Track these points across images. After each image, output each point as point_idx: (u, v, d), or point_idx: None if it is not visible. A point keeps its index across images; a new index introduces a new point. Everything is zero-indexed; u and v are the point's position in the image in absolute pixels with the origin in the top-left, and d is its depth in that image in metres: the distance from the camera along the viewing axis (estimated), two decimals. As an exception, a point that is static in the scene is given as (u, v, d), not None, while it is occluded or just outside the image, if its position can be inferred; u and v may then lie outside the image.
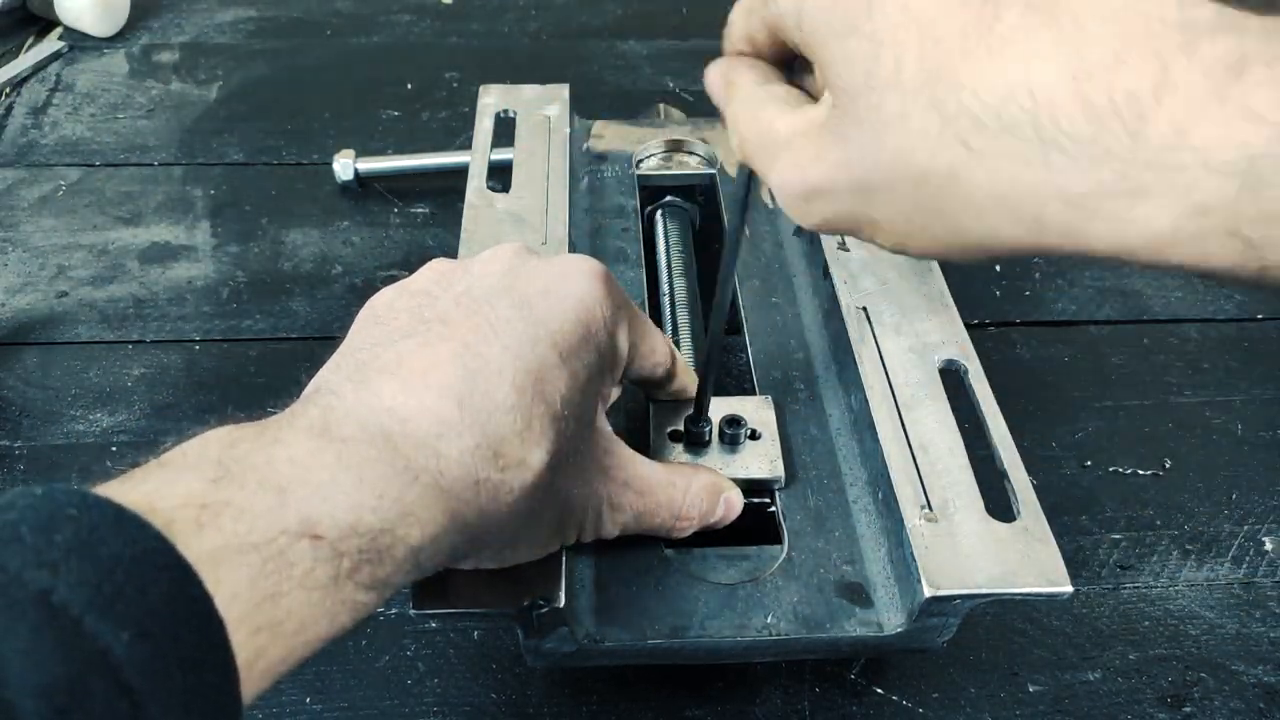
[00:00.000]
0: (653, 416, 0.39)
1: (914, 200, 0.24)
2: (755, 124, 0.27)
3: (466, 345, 0.27)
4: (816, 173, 0.25)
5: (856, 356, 0.39)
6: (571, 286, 0.30)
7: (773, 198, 0.52)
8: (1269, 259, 0.19)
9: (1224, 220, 0.19)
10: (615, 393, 0.36)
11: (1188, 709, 0.39)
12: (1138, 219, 0.20)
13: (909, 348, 0.39)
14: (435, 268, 0.31)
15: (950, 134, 0.22)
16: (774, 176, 0.27)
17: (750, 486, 0.38)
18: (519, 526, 0.29)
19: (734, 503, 0.36)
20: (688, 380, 0.38)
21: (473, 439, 0.26)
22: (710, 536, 0.38)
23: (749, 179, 0.31)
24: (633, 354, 0.33)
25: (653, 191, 0.53)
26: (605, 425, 0.32)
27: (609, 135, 0.55)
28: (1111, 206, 0.20)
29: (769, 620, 0.35)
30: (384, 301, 0.30)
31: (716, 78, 0.29)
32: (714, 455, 0.38)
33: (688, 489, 0.34)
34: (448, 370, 0.27)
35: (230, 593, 0.20)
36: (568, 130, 0.50)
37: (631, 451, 0.33)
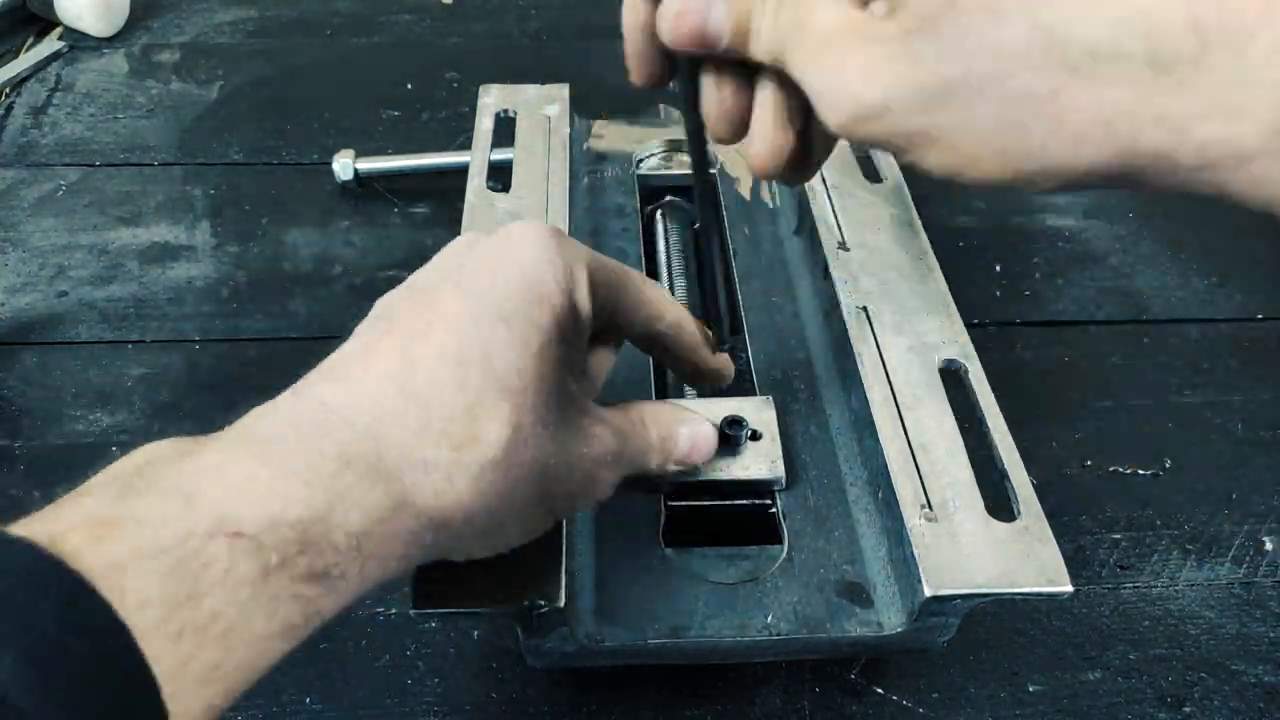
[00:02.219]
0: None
1: (996, 122, 0.23)
2: (786, 5, 0.25)
3: (408, 335, 0.27)
4: (882, 84, 0.23)
5: (857, 356, 0.39)
6: (515, 253, 0.29)
7: (774, 197, 0.52)
8: None
9: None
10: (607, 359, 0.34)
11: (1188, 709, 0.39)
12: (1230, 137, 0.21)
13: (909, 348, 0.39)
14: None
15: (1056, 58, 0.21)
16: (818, 77, 0.25)
17: (751, 487, 0.38)
18: (495, 507, 0.27)
19: (702, 437, 0.35)
20: (701, 344, 0.35)
21: (416, 420, 0.25)
22: (710, 536, 0.38)
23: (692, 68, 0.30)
24: (616, 310, 0.32)
25: (653, 191, 0.53)
26: (577, 389, 0.30)
27: (609, 135, 0.55)
28: (1207, 126, 0.21)
29: (769, 620, 0.35)
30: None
31: None
32: (715, 456, 0.38)
33: (642, 420, 0.33)
34: (387, 360, 0.26)
35: (138, 600, 0.20)
36: (568, 130, 0.50)
37: (599, 407, 0.31)
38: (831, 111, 0.25)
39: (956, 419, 0.36)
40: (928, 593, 0.31)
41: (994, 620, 0.42)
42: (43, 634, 0.18)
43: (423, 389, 0.26)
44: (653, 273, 0.49)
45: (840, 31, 0.24)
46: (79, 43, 0.75)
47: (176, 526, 0.21)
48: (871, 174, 0.49)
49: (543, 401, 0.28)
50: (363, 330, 0.29)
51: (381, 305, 0.30)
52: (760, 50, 0.27)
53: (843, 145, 0.50)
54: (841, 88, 0.24)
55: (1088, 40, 0.21)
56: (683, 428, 0.34)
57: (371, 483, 0.24)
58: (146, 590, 0.20)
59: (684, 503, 0.38)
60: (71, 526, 0.20)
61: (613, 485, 0.31)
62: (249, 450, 0.24)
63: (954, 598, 0.31)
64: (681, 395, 0.42)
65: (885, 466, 0.35)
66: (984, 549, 0.32)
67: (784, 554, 0.37)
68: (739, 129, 0.31)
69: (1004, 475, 0.35)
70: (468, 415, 0.26)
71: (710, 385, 0.38)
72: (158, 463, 0.23)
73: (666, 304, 0.34)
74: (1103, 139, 0.22)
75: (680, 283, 0.49)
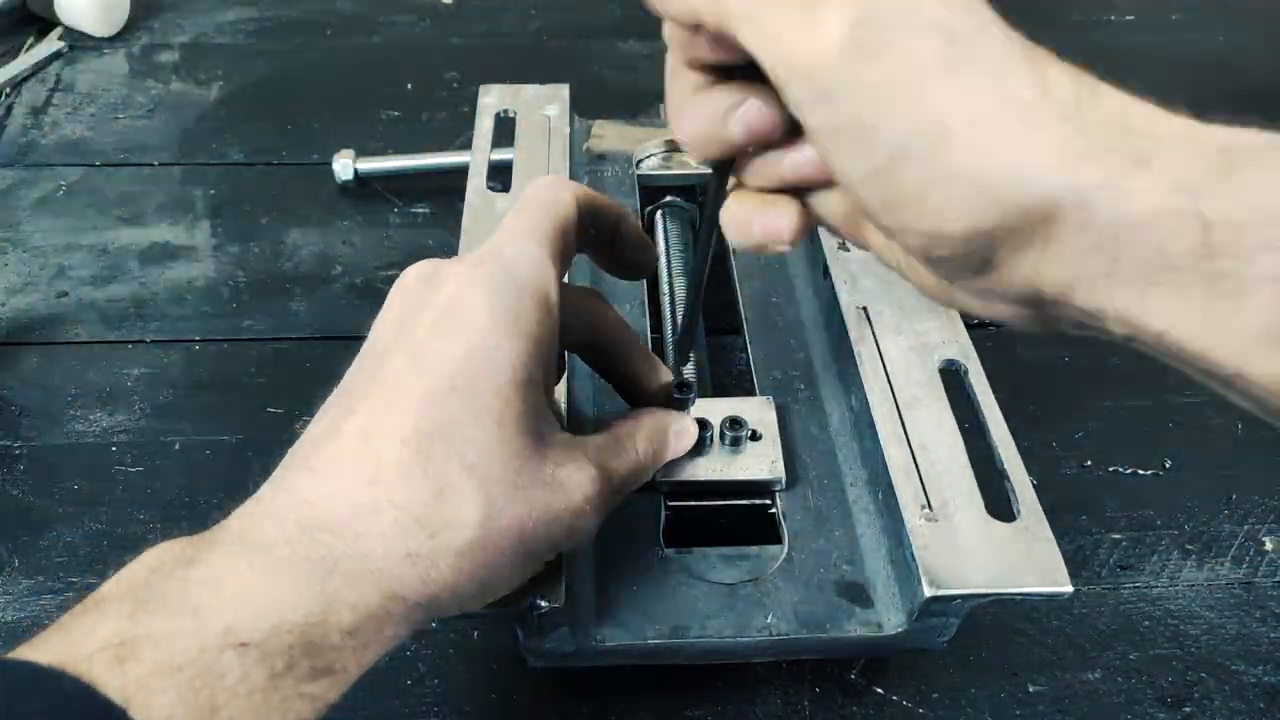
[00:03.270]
0: None
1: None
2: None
3: (367, 416, 0.27)
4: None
5: (857, 356, 0.39)
6: (461, 320, 0.28)
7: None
8: (1215, 240, 0.20)
9: (1194, 198, 0.20)
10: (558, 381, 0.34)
11: (1188, 709, 0.39)
12: (1132, 190, 0.21)
13: (909, 348, 0.39)
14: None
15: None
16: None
17: (751, 487, 0.38)
18: (480, 578, 0.27)
19: (684, 432, 0.35)
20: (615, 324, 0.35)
21: (390, 514, 0.26)
22: (711, 537, 0.38)
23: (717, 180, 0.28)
24: (567, 330, 0.31)
25: (653, 191, 0.53)
26: (550, 433, 0.29)
27: (609, 135, 0.55)
28: (1121, 171, 0.21)
29: (769, 620, 0.35)
30: None
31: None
32: (715, 456, 0.38)
33: (636, 439, 0.33)
34: (351, 447, 0.27)
35: (164, 716, 0.21)
36: (568, 130, 0.50)
37: (579, 444, 0.31)
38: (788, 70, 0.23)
39: (956, 419, 0.36)
40: (928, 593, 0.31)
41: (994, 620, 0.42)
42: None
43: (389, 479, 0.26)
44: (653, 273, 0.49)
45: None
46: (79, 43, 0.75)
47: (189, 642, 0.23)
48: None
49: (512, 469, 0.27)
50: (330, 405, 0.29)
51: (347, 376, 0.29)
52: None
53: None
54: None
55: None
56: (669, 432, 0.35)
57: (360, 582, 0.25)
58: (170, 707, 0.21)
59: (684, 503, 0.38)
60: (95, 650, 0.22)
61: (597, 523, 0.31)
62: (244, 559, 0.25)
63: (954, 598, 0.31)
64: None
65: (885, 466, 0.35)
66: (984, 549, 0.32)
67: (784, 554, 0.37)
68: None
69: (1004, 475, 0.35)
70: (438, 500, 0.26)
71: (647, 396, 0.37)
72: (163, 572, 0.25)
73: (591, 306, 0.34)
74: (1050, 160, 0.22)
75: (680, 283, 0.49)
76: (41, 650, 0.22)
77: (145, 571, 0.25)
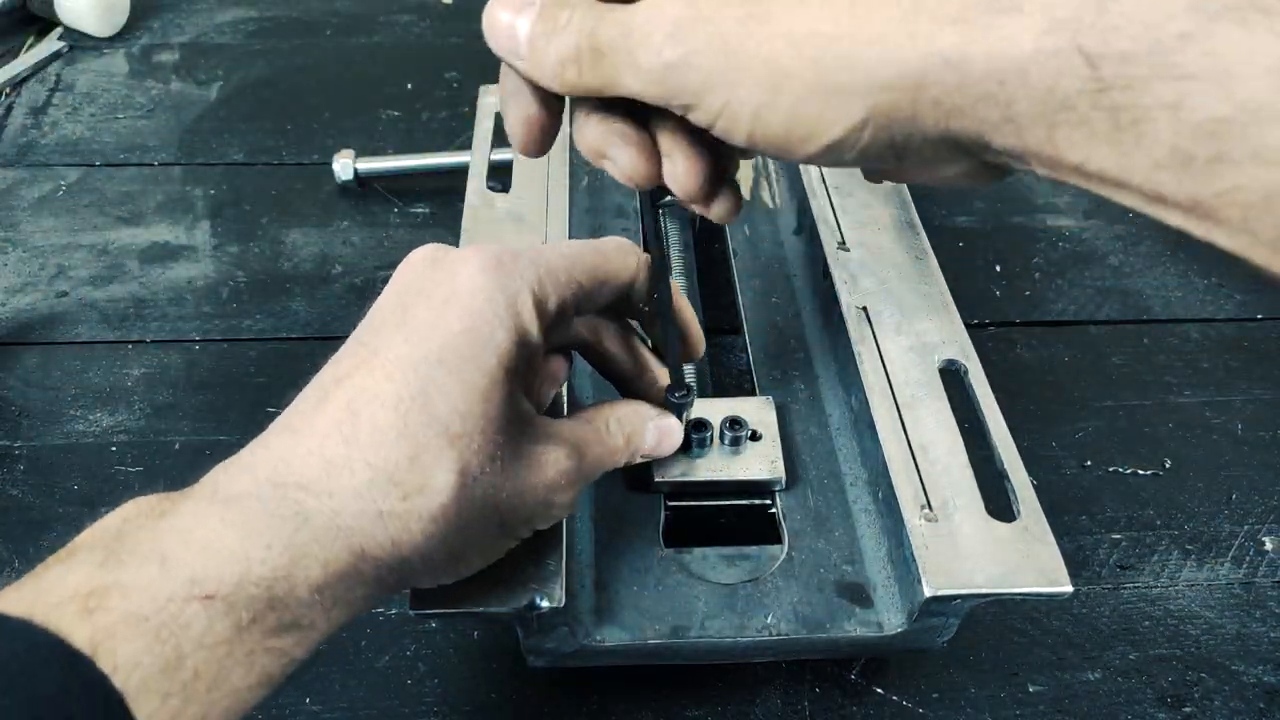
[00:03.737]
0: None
1: (805, 33, 0.24)
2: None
3: (353, 383, 0.27)
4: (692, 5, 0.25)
5: (856, 356, 0.39)
6: (456, 295, 0.29)
7: (774, 197, 0.52)
8: (1105, 75, 0.21)
9: (1072, 35, 0.21)
10: (563, 367, 0.34)
11: (1188, 709, 0.39)
12: (1005, 36, 0.22)
13: (909, 348, 0.39)
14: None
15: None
16: (639, 18, 0.26)
17: (751, 487, 0.38)
18: (452, 545, 0.28)
19: (667, 430, 0.35)
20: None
21: (365, 473, 0.26)
22: (710, 537, 0.38)
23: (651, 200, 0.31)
24: (575, 306, 0.32)
25: (652, 191, 0.53)
26: (529, 414, 0.30)
27: (609, 135, 0.55)
28: (984, 23, 0.22)
29: (769, 620, 0.35)
30: None
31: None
32: (715, 456, 0.38)
33: (609, 422, 0.33)
34: (333, 410, 0.27)
35: (129, 664, 0.21)
36: (568, 130, 0.50)
37: (556, 425, 0.31)
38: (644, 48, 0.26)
39: (956, 419, 0.36)
40: (928, 593, 0.31)
41: (994, 620, 0.42)
42: (48, 706, 0.20)
43: (365, 438, 0.26)
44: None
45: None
46: (79, 43, 0.75)
47: (156, 592, 0.23)
48: (871, 174, 0.49)
49: (490, 440, 0.28)
50: (322, 374, 0.29)
51: (343, 347, 0.30)
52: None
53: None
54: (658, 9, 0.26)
55: None
56: (649, 424, 0.34)
57: (330, 538, 0.26)
58: (135, 655, 0.22)
59: (684, 503, 0.38)
60: (64, 599, 0.22)
61: (572, 502, 0.31)
62: (216, 511, 0.25)
63: (954, 598, 0.31)
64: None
65: (885, 466, 0.35)
66: (984, 549, 0.32)
67: (784, 554, 0.37)
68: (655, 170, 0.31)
69: (1004, 475, 0.35)
70: (412, 464, 0.26)
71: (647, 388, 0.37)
72: (136, 523, 0.25)
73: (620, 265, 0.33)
74: (895, 40, 0.23)
75: (680, 283, 0.49)
76: (12, 600, 0.22)
77: (119, 521, 0.25)
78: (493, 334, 0.28)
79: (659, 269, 0.33)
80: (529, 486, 0.29)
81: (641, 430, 0.34)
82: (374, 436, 0.26)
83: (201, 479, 0.27)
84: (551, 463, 0.30)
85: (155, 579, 0.23)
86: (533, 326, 0.29)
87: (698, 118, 0.26)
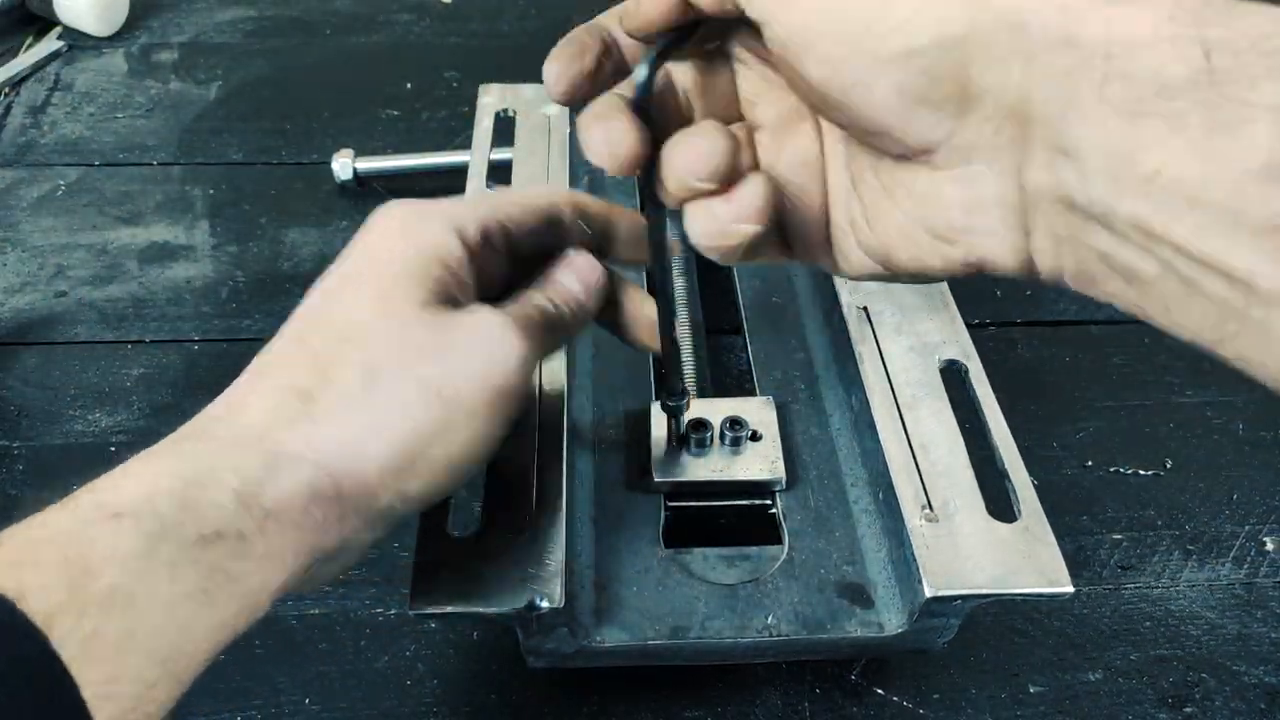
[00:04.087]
0: (653, 427, 0.39)
1: None
2: None
3: (268, 353, 0.29)
4: None
5: (857, 356, 0.39)
6: (370, 233, 0.30)
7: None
8: (1217, 66, 0.20)
9: (1196, 24, 0.20)
10: (578, 269, 0.33)
11: (1189, 709, 0.39)
12: (1127, 16, 0.20)
13: (910, 347, 0.39)
14: None
15: None
16: None
17: (751, 487, 0.38)
18: (386, 436, 0.27)
19: (577, 267, 0.33)
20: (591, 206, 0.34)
21: (270, 393, 0.27)
22: (711, 537, 0.38)
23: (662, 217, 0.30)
24: (501, 230, 0.31)
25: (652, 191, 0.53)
26: (453, 310, 0.29)
27: (609, 135, 0.55)
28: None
29: (769, 621, 0.35)
30: None
31: None
32: (715, 456, 0.38)
33: (545, 289, 0.32)
34: (246, 375, 0.28)
35: (37, 587, 0.21)
36: (567, 130, 0.50)
37: (492, 309, 0.30)
38: None
39: (957, 419, 0.36)
40: (928, 593, 0.31)
41: (994, 621, 0.41)
42: None
43: (270, 368, 0.28)
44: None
45: None
46: (78, 42, 0.75)
47: (59, 520, 0.23)
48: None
49: (398, 334, 0.28)
50: None
51: None
52: None
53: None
54: None
55: None
56: (568, 268, 0.33)
57: (241, 449, 0.26)
58: (44, 578, 0.22)
59: (684, 503, 0.38)
60: None
61: (524, 379, 0.30)
62: (130, 462, 0.26)
63: (955, 598, 0.31)
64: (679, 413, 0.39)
65: (886, 467, 0.35)
66: (984, 549, 0.32)
67: (784, 554, 0.37)
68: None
69: (1005, 475, 0.35)
70: (312, 369, 0.28)
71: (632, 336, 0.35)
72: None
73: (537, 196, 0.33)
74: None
75: (681, 283, 0.48)
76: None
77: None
78: (389, 248, 0.29)
79: (661, 273, 0.33)
80: (472, 368, 0.28)
81: (571, 280, 0.33)
82: (277, 360, 0.28)
83: None
84: (493, 339, 0.29)
85: (63, 514, 0.23)
86: (443, 236, 0.30)
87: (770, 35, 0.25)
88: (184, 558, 0.23)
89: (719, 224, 0.27)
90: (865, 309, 0.41)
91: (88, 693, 0.21)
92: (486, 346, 0.29)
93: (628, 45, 0.30)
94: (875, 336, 0.39)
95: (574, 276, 0.33)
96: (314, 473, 0.26)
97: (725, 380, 0.49)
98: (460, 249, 0.30)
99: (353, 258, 0.30)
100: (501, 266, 0.32)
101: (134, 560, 0.22)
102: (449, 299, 0.29)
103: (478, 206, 0.31)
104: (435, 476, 0.28)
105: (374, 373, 0.27)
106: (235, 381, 0.29)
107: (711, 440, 0.38)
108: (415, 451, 0.27)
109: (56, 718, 0.21)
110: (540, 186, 0.33)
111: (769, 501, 0.38)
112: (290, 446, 0.26)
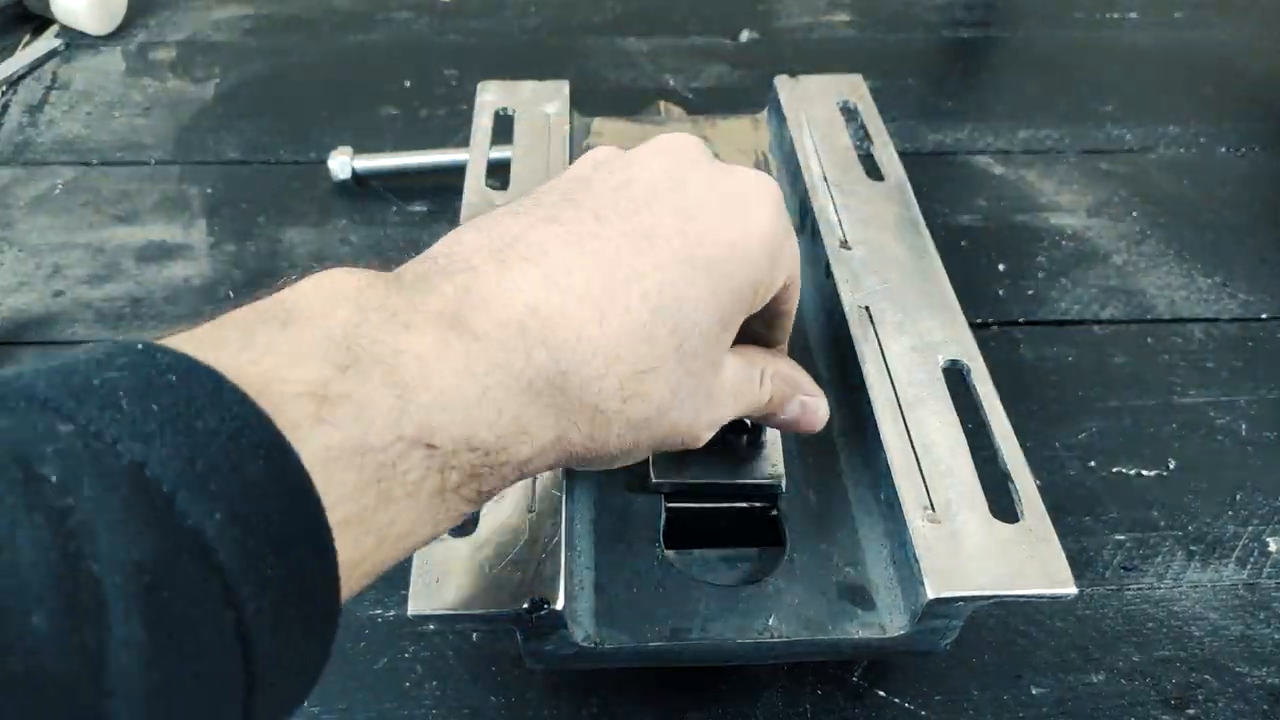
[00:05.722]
0: None
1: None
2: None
3: (617, 251, 0.26)
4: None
5: (859, 356, 0.38)
6: (745, 217, 0.28)
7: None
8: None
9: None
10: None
11: (1191, 711, 0.39)
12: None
13: (912, 347, 0.39)
14: (594, 156, 0.30)
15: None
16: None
17: (752, 490, 0.38)
18: (621, 452, 0.27)
19: (813, 408, 0.34)
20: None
21: (602, 364, 0.25)
22: (711, 538, 0.37)
23: None
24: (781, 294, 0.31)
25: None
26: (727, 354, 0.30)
27: (608, 133, 0.55)
28: None
29: (770, 622, 0.34)
30: (545, 186, 0.29)
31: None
32: (716, 458, 0.38)
33: (762, 374, 0.32)
34: (593, 276, 0.25)
35: (339, 494, 0.20)
36: (567, 128, 0.50)
37: (732, 359, 0.30)
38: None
39: (959, 419, 0.36)
40: (930, 595, 0.31)
41: (997, 622, 0.41)
42: (252, 501, 0.18)
43: (617, 330, 0.25)
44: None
45: None
46: (75, 40, 0.75)
47: (387, 424, 0.21)
48: (874, 171, 0.48)
49: (702, 368, 0.27)
50: (569, 213, 0.27)
51: (590, 185, 0.28)
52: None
53: (844, 144, 0.50)
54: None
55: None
56: (798, 395, 0.33)
57: (550, 418, 0.24)
58: (348, 486, 0.20)
59: (684, 504, 0.38)
60: (299, 393, 0.20)
61: (713, 425, 0.30)
62: (459, 347, 0.23)
63: (957, 600, 0.31)
64: None
65: (887, 467, 0.35)
66: (987, 550, 0.32)
67: (785, 556, 0.36)
68: None
69: (1007, 476, 0.34)
70: (643, 374, 0.26)
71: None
72: (373, 323, 0.22)
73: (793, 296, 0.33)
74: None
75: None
76: (242, 362, 0.19)
77: (353, 311, 0.22)
78: (762, 266, 0.28)
79: None
80: (697, 415, 0.29)
81: (790, 397, 0.33)
82: (625, 330, 0.25)
83: (430, 277, 0.24)
84: (720, 400, 0.29)
85: (391, 409, 0.21)
86: (779, 282, 0.29)
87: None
88: (454, 510, 0.23)
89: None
90: (867, 308, 0.40)
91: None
92: (692, 438, 0.30)
93: None
94: (877, 336, 0.39)
95: (803, 415, 0.34)
96: (568, 458, 0.26)
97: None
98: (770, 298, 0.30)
99: (733, 231, 0.28)
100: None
101: (421, 500, 0.22)
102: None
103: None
104: (604, 466, 0.28)
105: (668, 408, 0.27)
106: (578, 262, 0.26)
107: (712, 441, 0.38)
108: (621, 461, 0.28)
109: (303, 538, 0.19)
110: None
111: (770, 503, 0.38)
112: (576, 437, 0.26)
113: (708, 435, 0.30)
